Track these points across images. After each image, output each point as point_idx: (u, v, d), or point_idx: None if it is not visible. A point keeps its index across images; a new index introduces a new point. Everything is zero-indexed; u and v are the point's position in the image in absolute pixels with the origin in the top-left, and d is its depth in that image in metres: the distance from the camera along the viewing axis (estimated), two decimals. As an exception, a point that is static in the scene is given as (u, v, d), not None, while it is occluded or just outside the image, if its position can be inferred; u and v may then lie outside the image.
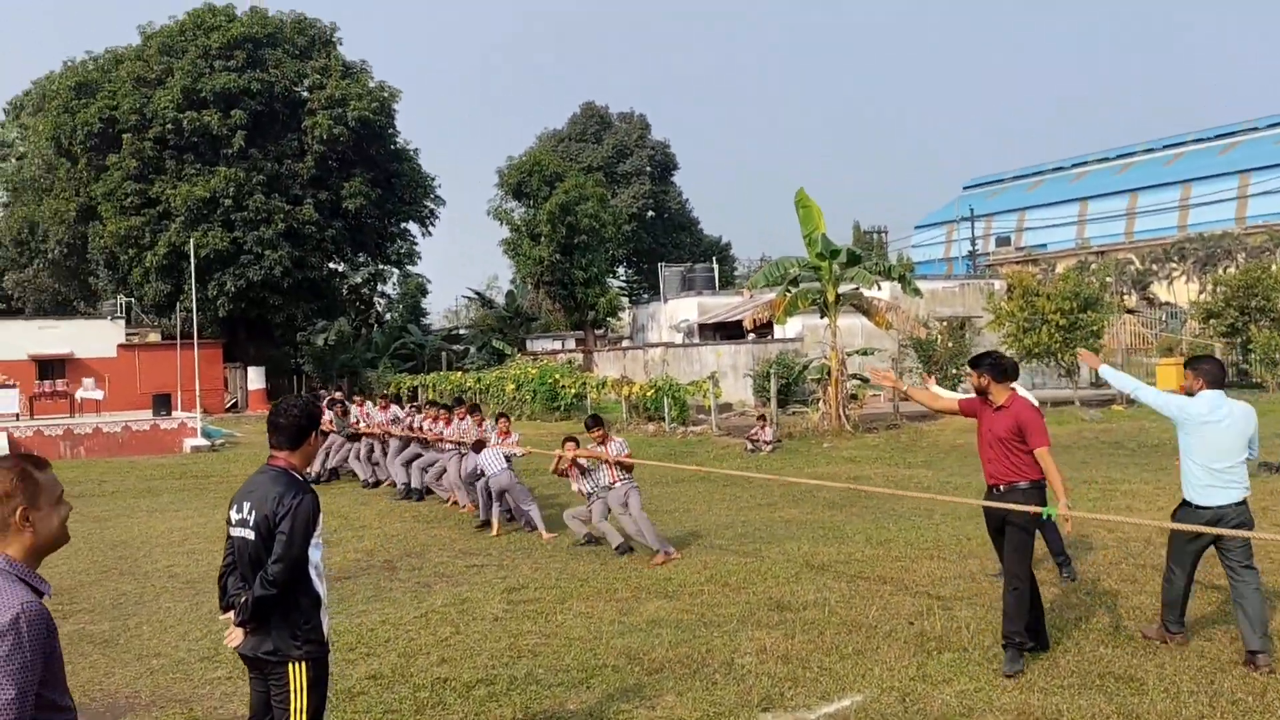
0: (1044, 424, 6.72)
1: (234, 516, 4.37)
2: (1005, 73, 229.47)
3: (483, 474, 12.62)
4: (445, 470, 14.65)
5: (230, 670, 7.04)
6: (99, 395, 29.51)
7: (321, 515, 4.41)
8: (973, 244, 76.23)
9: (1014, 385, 6.95)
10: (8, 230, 54.51)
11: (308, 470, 4.69)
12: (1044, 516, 6.57)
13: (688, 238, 63.44)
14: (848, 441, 21.13)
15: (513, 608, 8.42)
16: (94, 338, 39.44)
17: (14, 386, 28.03)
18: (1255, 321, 29.32)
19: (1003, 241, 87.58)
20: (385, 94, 43.26)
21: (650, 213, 61.54)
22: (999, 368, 6.86)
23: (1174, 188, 79.46)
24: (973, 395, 8.08)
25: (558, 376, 30.71)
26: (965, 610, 7.70)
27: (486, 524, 12.51)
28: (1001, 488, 6.74)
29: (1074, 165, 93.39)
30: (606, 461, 10.73)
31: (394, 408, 17.46)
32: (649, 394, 25.94)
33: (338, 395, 21.64)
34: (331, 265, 46.42)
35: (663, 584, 9.11)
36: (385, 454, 16.71)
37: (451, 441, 14.37)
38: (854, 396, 23.71)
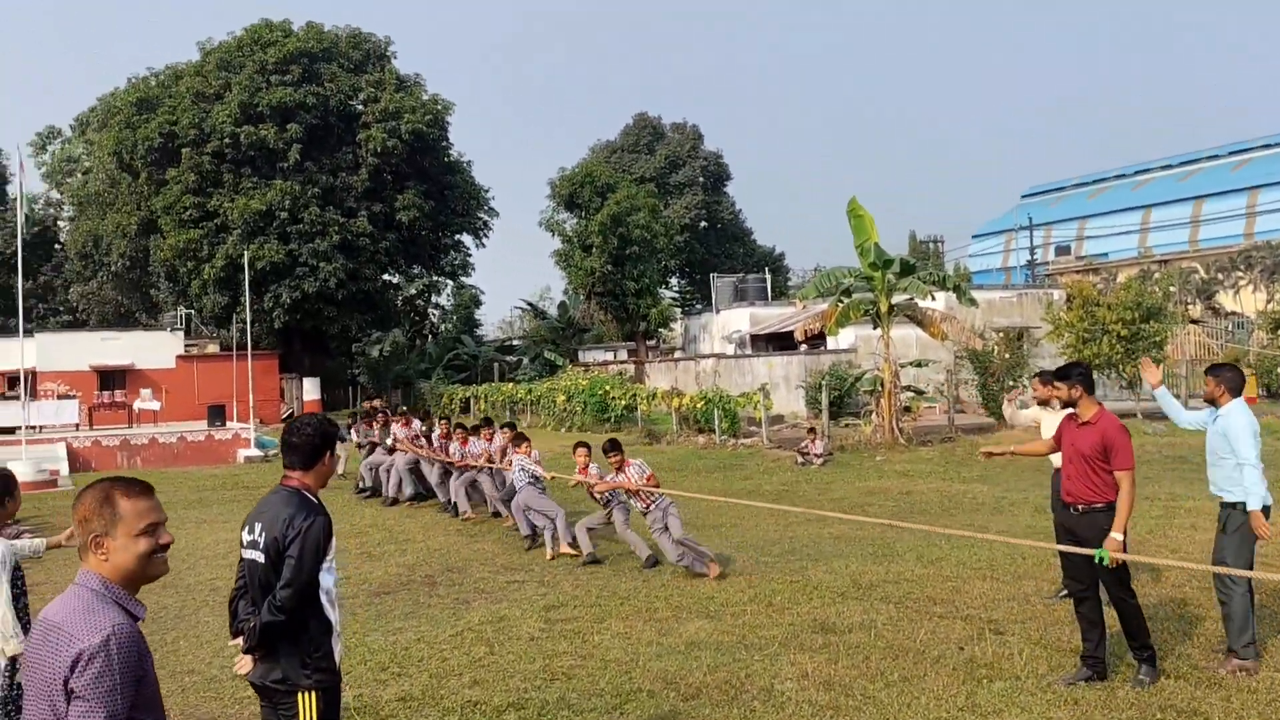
0: (1131, 445, 6.40)
1: (245, 538, 4.23)
2: (1066, 79, 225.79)
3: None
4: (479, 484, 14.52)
5: (261, 688, 6.94)
6: (156, 406, 29.98)
7: (334, 540, 4.25)
8: (1031, 253, 74.88)
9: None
10: (73, 244, 55.88)
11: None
12: (1095, 559, 6.20)
13: (741, 248, 63.11)
14: (901, 454, 20.70)
15: (550, 627, 8.24)
16: (153, 349, 40.16)
17: (75, 397, 28.55)
18: (1327, 332, 28.32)
19: (1062, 250, 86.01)
20: (438, 107, 43.63)
21: (703, 223, 61.34)
22: (1089, 379, 6.59)
23: (1240, 194, 77.42)
24: (1045, 414, 8.44)
25: (608, 388, 30.58)
26: (1018, 635, 7.36)
27: (532, 537, 12.24)
28: (1079, 507, 6.46)
29: (1136, 172, 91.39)
30: (630, 490, 10.31)
31: (415, 423, 17.30)
32: (699, 405, 25.69)
33: (377, 404, 21.53)
34: (385, 277, 46.87)
35: (704, 603, 8.87)
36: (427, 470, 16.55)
37: (467, 465, 14.28)
38: (907, 409, 23.26)
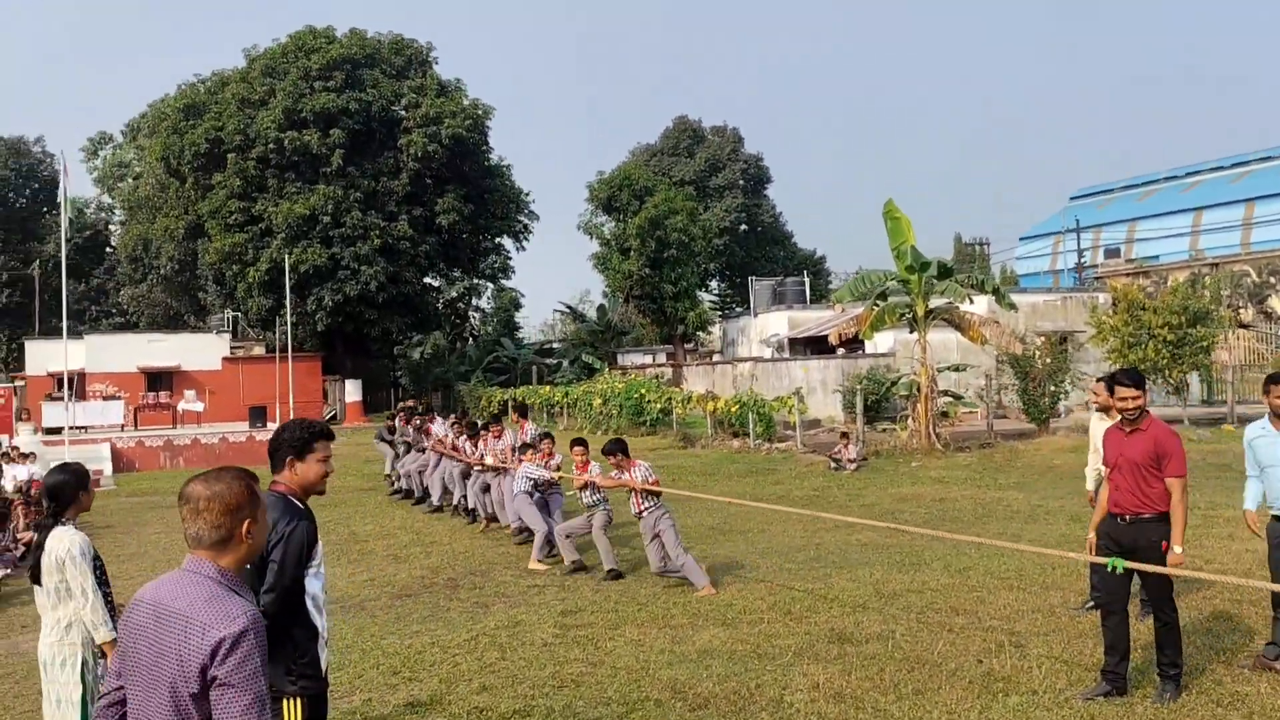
0: (1184, 451, 6.22)
1: None
2: (1115, 79, 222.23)
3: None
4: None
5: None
6: (199, 407, 30.42)
7: (320, 544, 4.23)
8: (1079, 256, 73.77)
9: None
10: (123, 247, 56.98)
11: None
12: (1109, 568, 6.05)
13: (781, 251, 62.88)
14: (937, 460, 20.41)
15: (564, 633, 8.19)
16: (200, 351, 40.80)
17: (120, 399, 29.03)
18: (1384, 337, 27.50)
19: (1111, 253, 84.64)
20: (479, 111, 43.91)
21: (743, 226, 61.16)
22: (1141, 382, 6.39)
23: (1295, 196, 75.66)
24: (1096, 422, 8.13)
25: (644, 391, 30.53)
26: (1039, 648, 7.19)
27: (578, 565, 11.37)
28: (1127, 518, 6.27)
29: (1187, 174, 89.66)
30: (632, 489, 9.96)
31: (438, 423, 17.01)
32: (734, 409, 25.55)
33: (410, 403, 21.46)
34: (426, 280, 47.22)
35: (722, 610, 8.78)
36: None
37: (480, 464, 13.95)
38: (945, 414, 22.94)
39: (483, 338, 52.91)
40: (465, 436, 14.91)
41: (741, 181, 60.68)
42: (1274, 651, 6.56)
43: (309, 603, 4.10)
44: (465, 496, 15.46)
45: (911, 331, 23.27)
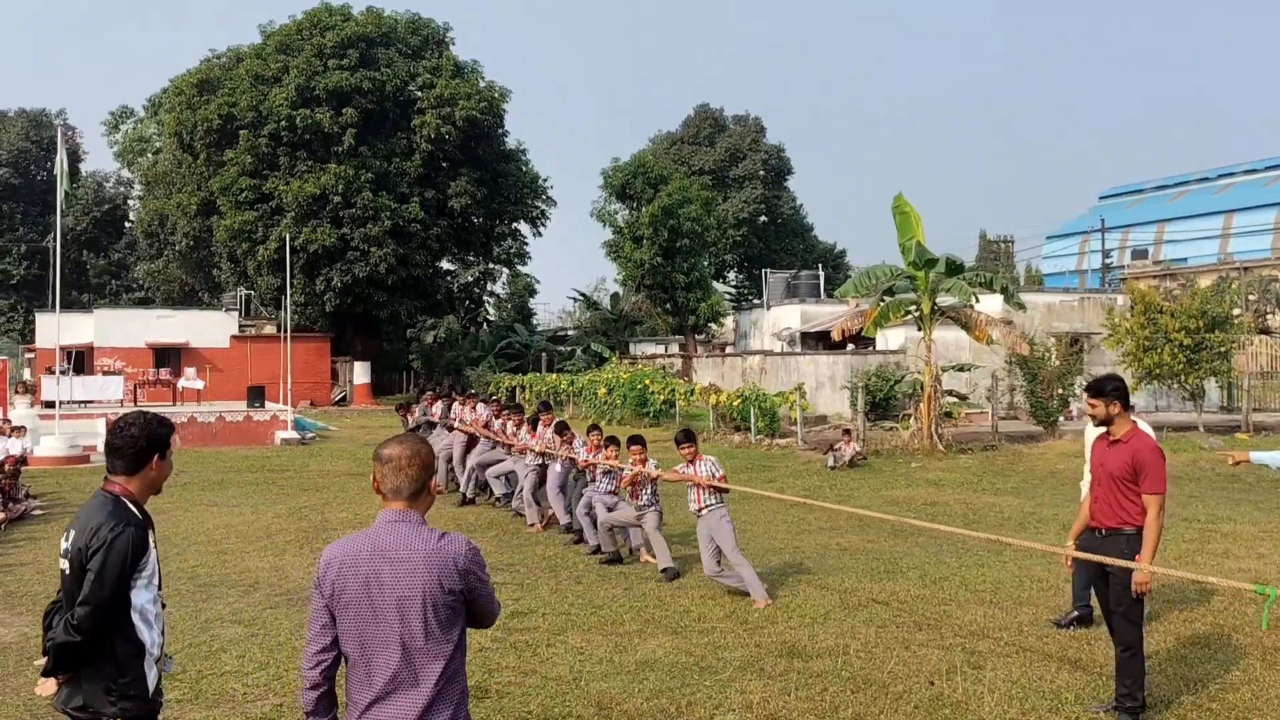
0: (1164, 467, 5.89)
1: (62, 545, 3.84)
2: (1150, 78, 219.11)
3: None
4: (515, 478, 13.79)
5: (185, 692, 6.62)
6: (199, 385, 30.24)
7: (153, 552, 3.83)
8: (1104, 256, 72.61)
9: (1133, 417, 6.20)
10: (140, 223, 57.00)
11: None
12: (1257, 591, 5.44)
13: (800, 243, 62.20)
14: (938, 462, 19.90)
15: (505, 637, 7.78)
16: (209, 328, 40.72)
17: (119, 374, 28.88)
18: None
19: (1139, 254, 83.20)
20: (495, 94, 43.45)
21: (762, 218, 60.52)
22: (1124, 394, 6.06)
23: (1328, 200, 74.11)
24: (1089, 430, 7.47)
25: (648, 382, 30.11)
26: (998, 670, 6.72)
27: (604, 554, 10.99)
28: (1103, 531, 5.98)
29: (1219, 176, 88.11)
30: (696, 484, 9.32)
31: (481, 407, 16.02)
32: (736, 403, 25.09)
33: (447, 385, 20.49)
34: (439, 264, 46.90)
35: (677, 617, 8.37)
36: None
37: (536, 452, 13.17)
38: (948, 414, 22.38)
39: (496, 323, 52.59)
40: (512, 421, 14.14)
41: (762, 172, 60.01)
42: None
43: (134, 617, 3.70)
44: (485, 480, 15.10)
45: (918, 329, 22.74)
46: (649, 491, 10.35)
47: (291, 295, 37.51)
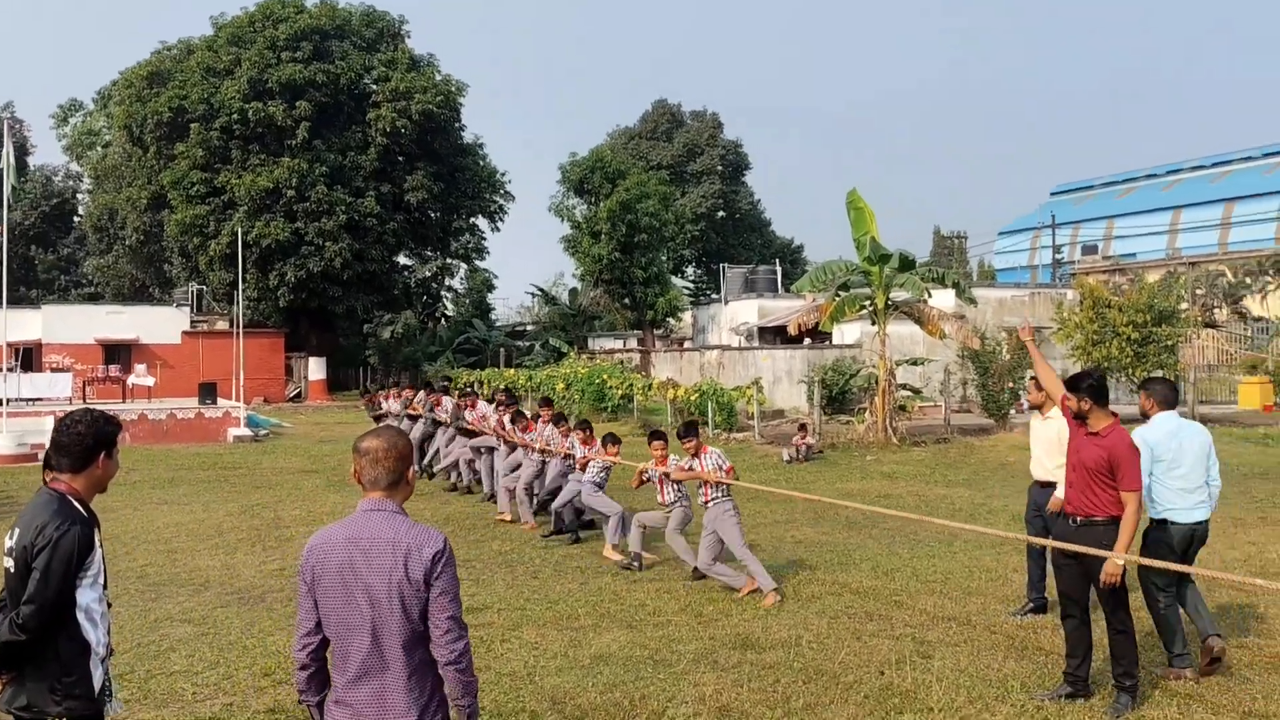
0: (1139, 464, 6.05)
1: (6, 543, 3.78)
2: (1100, 75, 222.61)
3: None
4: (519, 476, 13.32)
5: (134, 692, 6.55)
6: (150, 382, 29.79)
7: (99, 551, 3.78)
8: (1055, 251, 73.72)
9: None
10: (89, 217, 55.97)
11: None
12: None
13: (758, 239, 62.49)
14: (892, 455, 20.12)
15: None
16: (160, 324, 40.10)
17: (68, 371, 28.38)
18: (1349, 340, 27.37)
19: (1089, 250, 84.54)
20: (451, 87, 43.20)
21: (720, 213, 60.72)
22: (1099, 390, 6.15)
23: (1271, 198, 75.89)
24: (1034, 420, 8.52)
25: (605, 377, 30.12)
26: (946, 659, 6.83)
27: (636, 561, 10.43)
28: (1078, 520, 6.09)
29: (1168, 172, 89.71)
30: (702, 480, 9.17)
31: (481, 404, 15.68)
32: (693, 398, 25.17)
33: (445, 381, 19.93)
34: (396, 259, 46.56)
35: (632, 611, 8.40)
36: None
37: (538, 449, 12.91)
38: (902, 407, 22.62)
39: (454, 318, 52.31)
40: (510, 418, 13.83)
41: (720, 167, 60.22)
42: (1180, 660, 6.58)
43: (79, 615, 3.66)
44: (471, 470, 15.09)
45: (873, 324, 22.97)
46: (675, 489, 9.89)
47: (244, 290, 37.09)
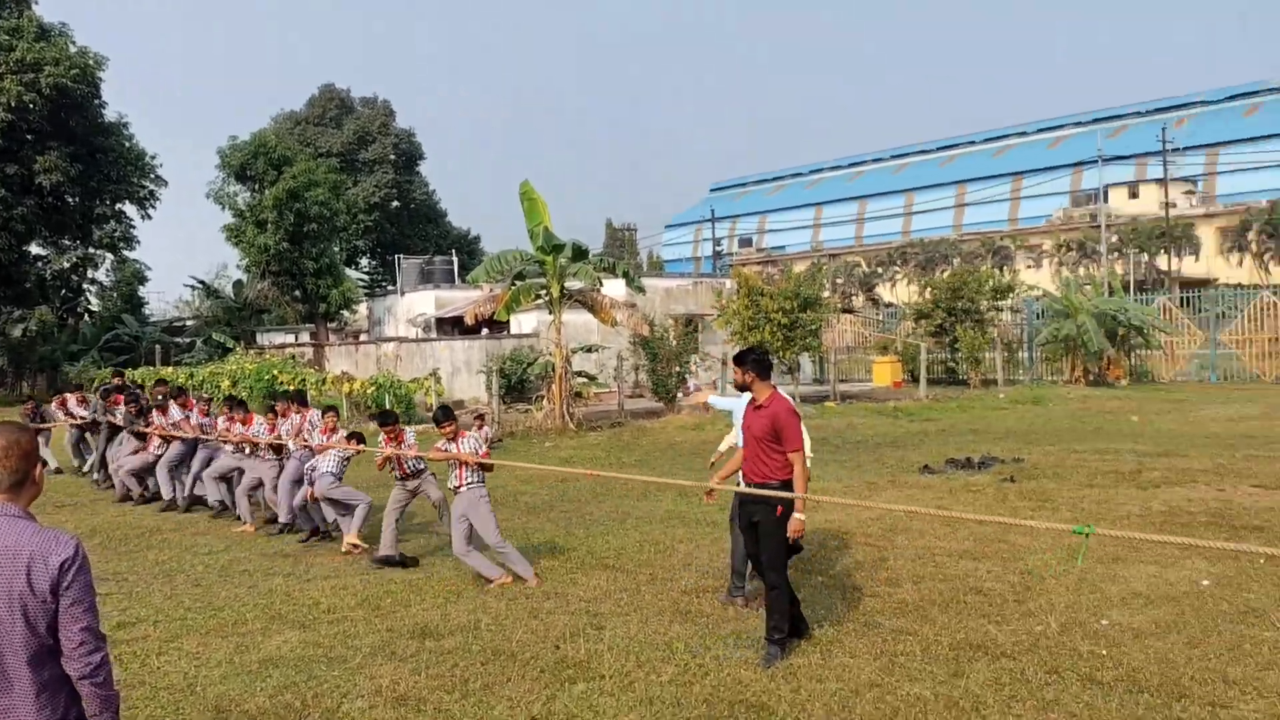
0: (800, 427, 6.62)
1: None
2: (754, 74, 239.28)
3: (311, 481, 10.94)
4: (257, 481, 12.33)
5: None
6: None
7: None
8: (715, 244, 78.52)
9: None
10: None
11: None
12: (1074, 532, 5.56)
13: (434, 229, 61.83)
14: (570, 440, 20.67)
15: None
16: None
17: None
18: (960, 322, 31.28)
19: (745, 243, 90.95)
20: (88, 60, 39.24)
21: (394, 203, 59.46)
22: (762, 364, 6.77)
23: (899, 195, 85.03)
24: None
25: (276, 371, 28.69)
26: (618, 628, 7.17)
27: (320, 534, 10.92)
28: (753, 486, 6.68)
29: (811, 172, 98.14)
30: (459, 461, 8.93)
31: (174, 408, 13.92)
32: (370, 391, 24.56)
33: (117, 381, 17.67)
34: (27, 248, 41.74)
35: (306, 610, 8.11)
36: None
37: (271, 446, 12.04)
38: (579, 394, 23.31)
39: (101, 314, 47.65)
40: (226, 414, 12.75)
41: (393, 156, 58.96)
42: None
43: None
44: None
45: (549, 313, 23.45)
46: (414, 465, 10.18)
47: None
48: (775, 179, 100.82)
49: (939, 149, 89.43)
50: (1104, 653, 6.40)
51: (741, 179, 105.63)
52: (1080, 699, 5.65)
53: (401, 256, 43.14)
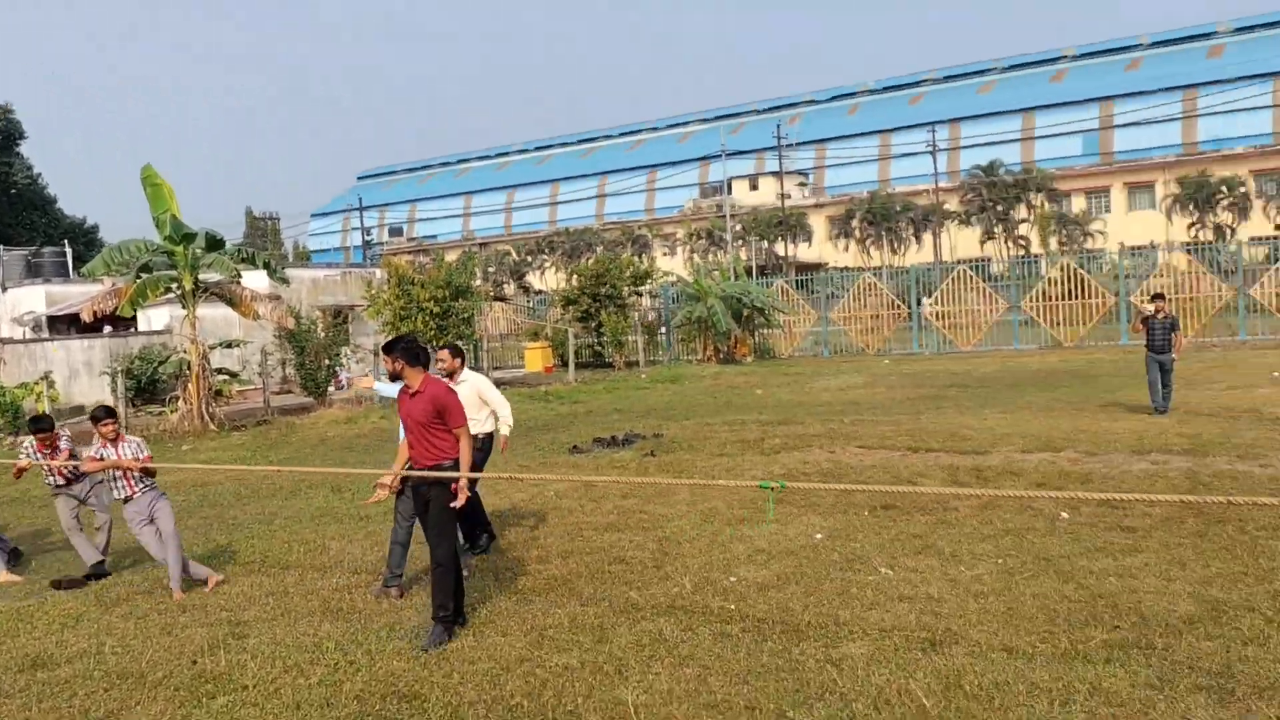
0: (460, 404, 6.86)
1: None
2: (402, 63, 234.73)
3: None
4: None
5: None
6: None
7: None
8: (364, 233, 76.50)
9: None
10: None
11: None
12: (760, 485, 6.02)
13: (41, 217, 55.50)
14: (211, 442, 19.42)
15: None
16: None
17: None
18: (604, 308, 32.62)
19: (395, 232, 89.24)
20: None
21: (-11, 187, 52.64)
22: (411, 352, 6.82)
23: (545, 186, 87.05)
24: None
25: None
26: (262, 635, 6.86)
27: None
28: (429, 470, 6.77)
29: (459, 161, 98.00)
30: (122, 468, 8.27)
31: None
32: (-35, 401, 21.67)
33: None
34: None
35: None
36: None
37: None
38: (219, 392, 21.94)
39: None
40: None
41: (-15, 134, 52.08)
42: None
43: None
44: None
45: (182, 307, 21.85)
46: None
47: None
48: (424, 167, 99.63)
49: (580, 141, 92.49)
50: (732, 607, 6.99)
51: (390, 167, 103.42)
52: (712, 651, 6.13)
53: (4, 248, 38.35)
